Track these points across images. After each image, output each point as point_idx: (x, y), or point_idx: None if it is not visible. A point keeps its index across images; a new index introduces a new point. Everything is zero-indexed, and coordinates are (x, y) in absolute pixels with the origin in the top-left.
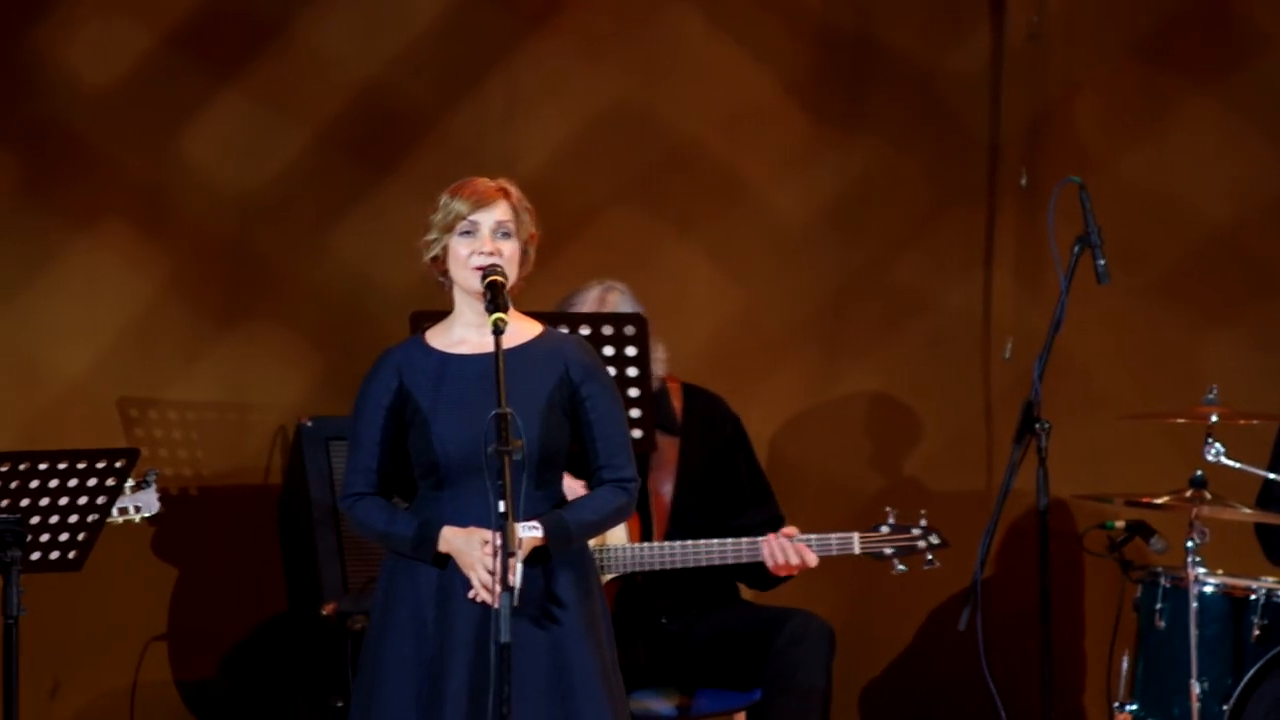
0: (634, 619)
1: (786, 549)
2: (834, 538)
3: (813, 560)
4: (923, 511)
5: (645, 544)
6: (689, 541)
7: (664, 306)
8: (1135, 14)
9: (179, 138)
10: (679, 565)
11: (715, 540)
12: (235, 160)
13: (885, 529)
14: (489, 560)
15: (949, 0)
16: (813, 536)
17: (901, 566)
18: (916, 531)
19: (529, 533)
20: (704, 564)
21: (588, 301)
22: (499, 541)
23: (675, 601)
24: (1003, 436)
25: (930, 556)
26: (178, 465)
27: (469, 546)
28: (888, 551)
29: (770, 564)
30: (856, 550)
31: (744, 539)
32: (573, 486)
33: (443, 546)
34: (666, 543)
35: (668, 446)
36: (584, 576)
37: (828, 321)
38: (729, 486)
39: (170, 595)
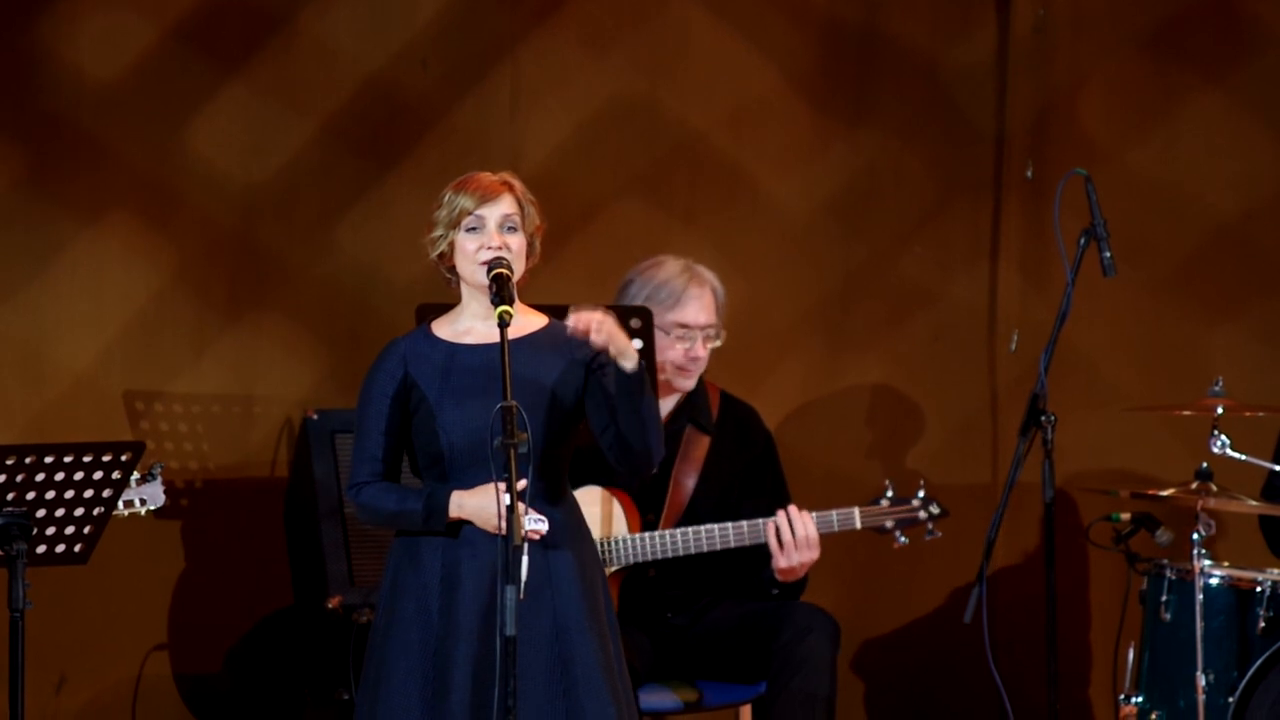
0: (640, 613)
1: (794, 519)
2: (835, 514)
3: (815, 535)
4: (921, 481)
5: (647, 534)
6: (689, 528)
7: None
8: (1141, 7)
9: (184, 131)
10: (680, 553)
11: (716, 525)
12: (240, 154)
13: (885, 501)
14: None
15: None
16: (814, 514)
17: (903, 539)
18: (916, 502)
19: (535, 525)
20: (705, 550)
21: (672, 280)
22: (502, 486)
23: (683, 594)
24: (1008, 429)
25: (931, 527)
26: (183, 458)
27: (486, 500)
28: (889, 524)
29: (775, 545)
30: (858, 524)
31: (745, 521)
32: None
33: (455, 513)
34: (668, 531)
35: (698, 442)
36: (587, 570)
37: (833, 314)
38: (754, 499)
39: (175, 589)
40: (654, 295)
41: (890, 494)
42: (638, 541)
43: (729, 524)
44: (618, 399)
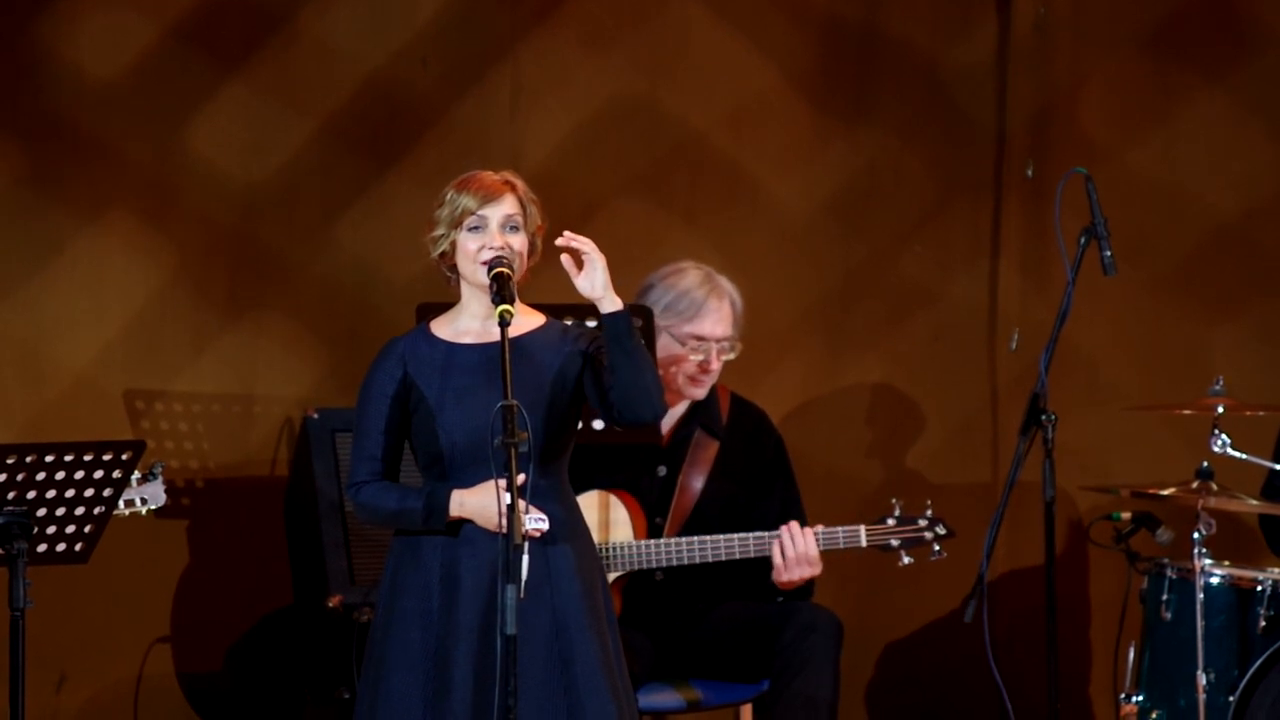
0: (643, 614)
1: (794, 535)
2: (840, 531)
3: (814, 553)
4: (928, 502)
5: (655, 540)
6: (695, 538)
7: None
8: (1141, 6)
9: (185, 130)
10: (686, 562)
11: (723, 536)
12: (241, 152)
13: (891, 521)
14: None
15: None
16: (819, 530)
17: (908, 559)
18: (923, 523)
19: (536, 524)
20: (709, 560)
21: (693, 288)
22: (503, 485)
23: (688, 597)
24: (1009, 428)
25: (937, 548)
26: (184, 457)
27: (487, 499)
28: (894, 543)
29: (778, 559)
30: (863, 543)
31: (750, 534)
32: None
33: (455, 511)
34: (673, 539)
35: (707, 446)
36: (587, 567)
37: (833, 313)
38: (764, 503)
39: (176, 588)
40: (674, 305)
41: (897, 513)
42: (645, 548)
43: (734, 535)
44: (608, 346)
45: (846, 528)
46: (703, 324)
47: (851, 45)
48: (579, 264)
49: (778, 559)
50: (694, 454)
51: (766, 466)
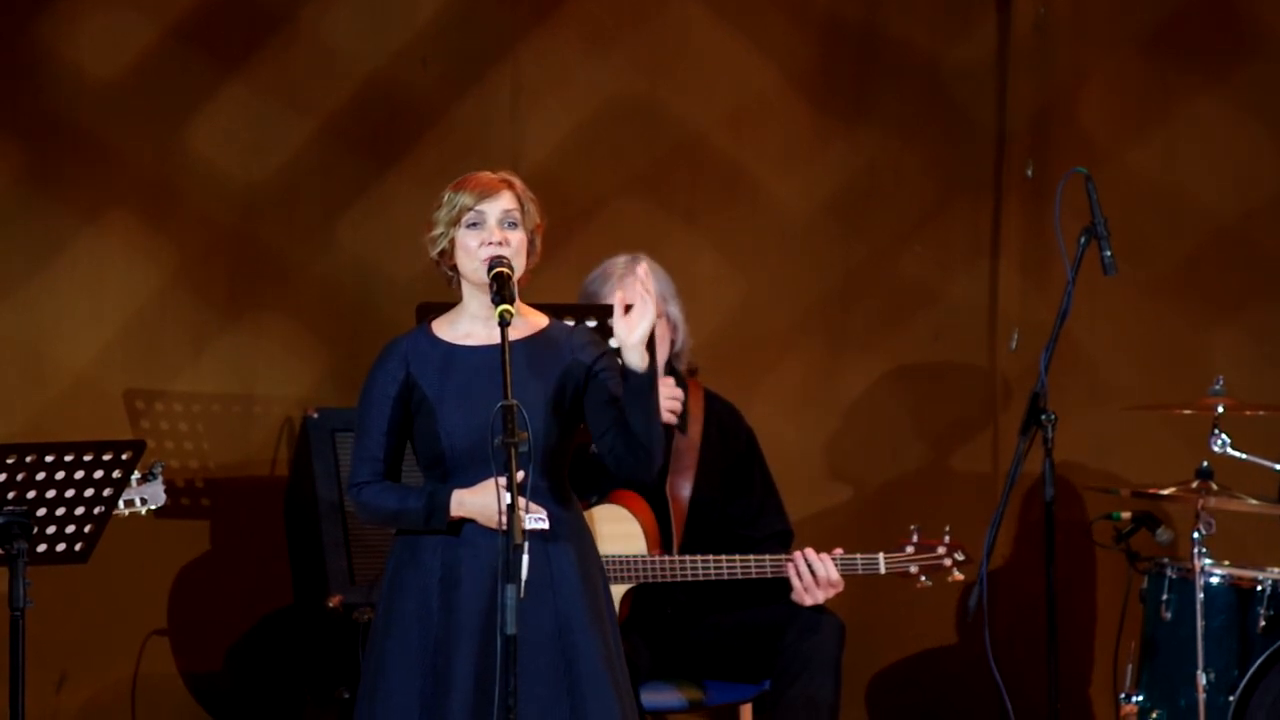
0: (643, 613)
1: (813, 561)
2: (859, 558)
3: (836, 577)
4: (947, 528)
5: (665, 557)
6: (709, 555)
7: None
8: (1141, 6)
9: (185, 130)
10: (698, 578)
11: (739, 556)
12: (241, 152)
13: (911, 548)
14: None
15: None
16: (839, 555)
17: (927, 581)
18: (941, 550)
19: (536, 523)
20: (726, 578)
21: (615, 270)
22: (503, 483)
23: (688, 597)
24: (1009, 428)
25: (957, 573)
26: (184, 457)
27: (488, 498)
28: (913, 570)
29: (796, 583)
30: (882, 570)
31: (768, 555)
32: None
33: (456, 511)
34: (687, 556)
35: (687, 449)
36: (588, 567)
37: (833, 313)
38: (742, 497)
39: (176, 587)
40: (592, 281)
41: (916, 539)
42: (660, 564)
43: (751, 556)
44: (627, 400)
45: (865, 555)
46: (601, 296)
47: (851, 45)
48: (626, 309)
49: (796, 582)
50: (675, 462)
51: (741, 460)
